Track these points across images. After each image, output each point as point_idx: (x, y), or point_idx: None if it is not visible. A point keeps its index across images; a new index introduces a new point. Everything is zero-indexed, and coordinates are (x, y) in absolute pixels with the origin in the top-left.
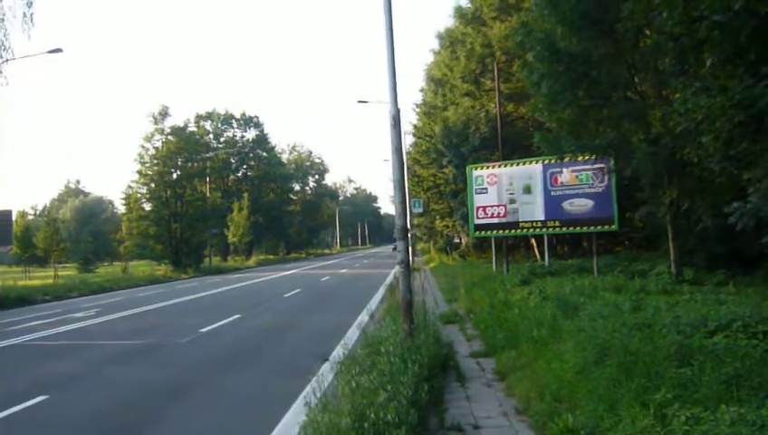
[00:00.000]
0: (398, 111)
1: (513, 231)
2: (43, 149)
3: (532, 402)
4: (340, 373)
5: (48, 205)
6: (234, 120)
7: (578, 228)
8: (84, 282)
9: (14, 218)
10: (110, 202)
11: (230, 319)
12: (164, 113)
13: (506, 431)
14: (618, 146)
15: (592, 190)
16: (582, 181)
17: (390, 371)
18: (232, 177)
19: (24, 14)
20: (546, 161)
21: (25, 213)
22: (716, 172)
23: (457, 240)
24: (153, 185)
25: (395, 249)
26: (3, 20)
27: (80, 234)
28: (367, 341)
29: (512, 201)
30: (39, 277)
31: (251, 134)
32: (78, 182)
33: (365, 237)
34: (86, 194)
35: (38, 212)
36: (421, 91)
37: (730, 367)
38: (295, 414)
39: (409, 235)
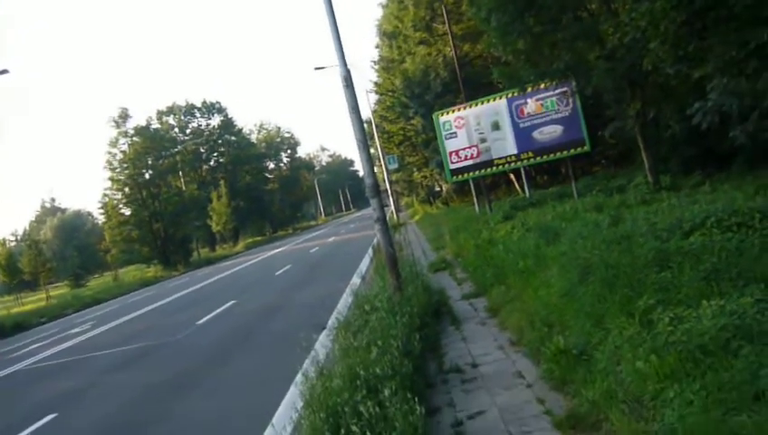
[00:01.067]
0: (347, 71)
1: (488, 169)
2: (11, 173)
3: (525, 332)
4: (335, 339)
5: (27, 228)
6: (196, 110)
7: (551, 155)
8: (77, 297)
9: None
10: (89, 214)
11: (225, 307)
12: (124, 115)
13: (503, 364)
14: (575, 67)
15: (559, 115)
16: (548, 108)
17: (380, 326)
18: (205, 166)
19: None
20: (510, 95)
21: (6, 240)
22: (672, 76)
23: (438, 189)
24: (127, 189)
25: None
26: None
27: (64, 251)
28: (358, 302)
29: (482, 140)
30: (31, 301)
31: (216, 121)
32: (53, 200)
33: (348, 203)
34: (63, 210)
35: (19, 237)
36: (376, 47)
37: (707, 263)
38: (298, 387)
39: (390, 191)
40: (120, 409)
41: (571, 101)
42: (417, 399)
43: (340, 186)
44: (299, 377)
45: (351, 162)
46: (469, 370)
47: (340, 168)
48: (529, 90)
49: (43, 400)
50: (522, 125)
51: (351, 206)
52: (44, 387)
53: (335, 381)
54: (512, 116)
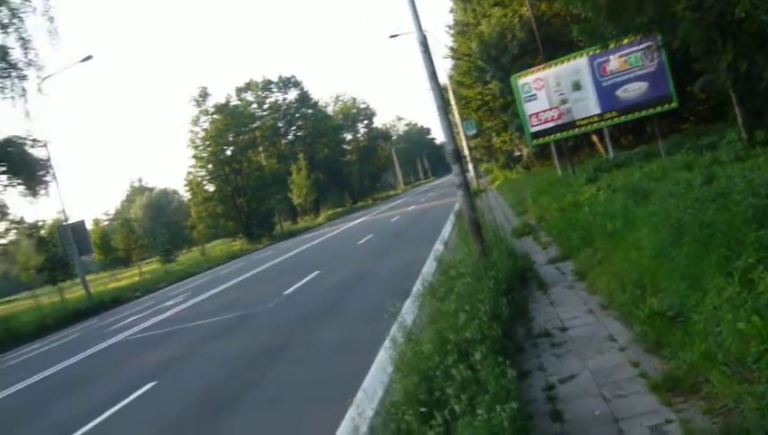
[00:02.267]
0: (424, 36)
1: (570, 131)
2: (100, 155)
3: (615, 295)
4: (421, 305)
5: (118, 207)
6: (273, 85)
7: (636, 114)
8: (168, 272)
9: (89, 227)
10: (175, 192)
11: (310, 277)
12: (204, 94)
13: (594, 328)
14: (660, 20)
15: (644, 71)
16: (632, 64)
17: (467, 291)
18: (283, 141)
19: (49, 31)
20: (591, 53)
21: (99, 220)
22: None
23: (518, 153)
24: (210, 166)
25: (465, 171)
26: (30, 41)
27: (153, 228)
28: (443, 268)
29: (563, 102)
30: (126, 277)
31: (292, 95)
32: (141, 180)
33: (426, 171)
34: (151, 189)
35: (110, 217)
36: (451, 11)
37: None
38: (387, 351)
39: (469, 157)
40: (216, 376)
41: (656, 55)
42: (508, 362)
43: (418, 154)
44: (387, 343)
45: (428, 130)
46: (558, 334)
47: (417, 136)
48: (611, 46)
49: (143, 368)
50: (604, 83)
51: (430, 174)
52: (144, 356)
53: (426, 346)
54: (594, 74)
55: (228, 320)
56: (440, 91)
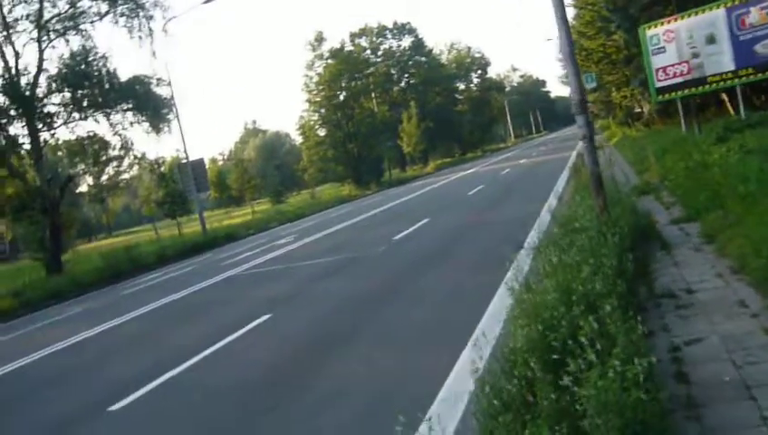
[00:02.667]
0: None
1: (700, 88)
2: (216, 96)
3: (749, 260)
4: (538, 256)
5: (233, 148)
6: (387, 32)
7: None
8: (279, 212)
9: (206, 166)
10: (287, 135)
11: (419, 224)
12: (320, 39)
13: (723, 292)
14: None
15: None
16: None
17: (590, 246)
18: (396, 88)
19: None
20: (729, 4)
21: (215, 159)
22: None
23: (638, 109)
24: (323, 110)
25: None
26: None
27: (265, 169)
28: (561, 221)
29: (695, 55)
30: (238, 215)
31: (406, 42)
32: (254, 122)
33: (538, 125)
34: (264, 132)
35: (225, 157)
36: None
37: None
38: (500, 299)
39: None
40: (329, 313)
41: None
42: (639, 317)
43: (531, 107)
44: (501, 291)
45: (543, 83)
46: (684, 296)
47: (531, 89)
48: None
49: (258, 301)
50: (742, 38)
51: (542, 128)
52: (258, 291)
53: (551, 295)
54: (731, 28)
55: (339, 261)
56: (569, 37)
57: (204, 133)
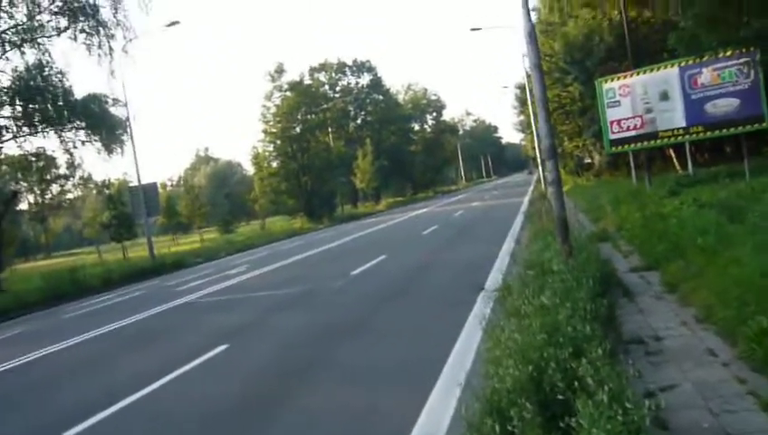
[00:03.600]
0: (532, 26)
1: (652, 142)
2: (169, 121)
3: (715, 310)
4: (506, 298)
5: (183, 174)
6: (347, 68)
7: (725, 130)
8: (229, 242)
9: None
10: (239, 165)
11: (376, 260)
12: (280, 70)
13: (690, 340)
14: (766, 35)
15: (737, 88)
16: (725, 79)
17: (564, 288)
18: (352, 124)
19: None
20: (683, 63)
21: (164, 184)
22: None
23: (588, 160)
24: (278, 142)
25: (530, 173)
26: (121, 1)
27: (215, 198)
28: (528, 264)
29: (648, 111)
30: (186, 243)
31: (365, 80)
32: (207, 150)
33: (489, 170)
34: (216, 160)
35: (174, 183)
36: (534, 10)
37: None
38: (465, 341)
39: (540, 159)
40: (287, 347)
41: (752, 72)
42: (630, 361)
43: (482, 152)
44: (465, 330)
45: (495, 129)
46: (652, 342)
47: (483, 133)
48: (706, 58)
49: (214, 331)
50: (694, 96)
51: (492, 173)
52: (212, 320)
53: (539, 336)
54: (683, 86)
55: (296, 294)
56: (543, 83)
57: (154, 157)
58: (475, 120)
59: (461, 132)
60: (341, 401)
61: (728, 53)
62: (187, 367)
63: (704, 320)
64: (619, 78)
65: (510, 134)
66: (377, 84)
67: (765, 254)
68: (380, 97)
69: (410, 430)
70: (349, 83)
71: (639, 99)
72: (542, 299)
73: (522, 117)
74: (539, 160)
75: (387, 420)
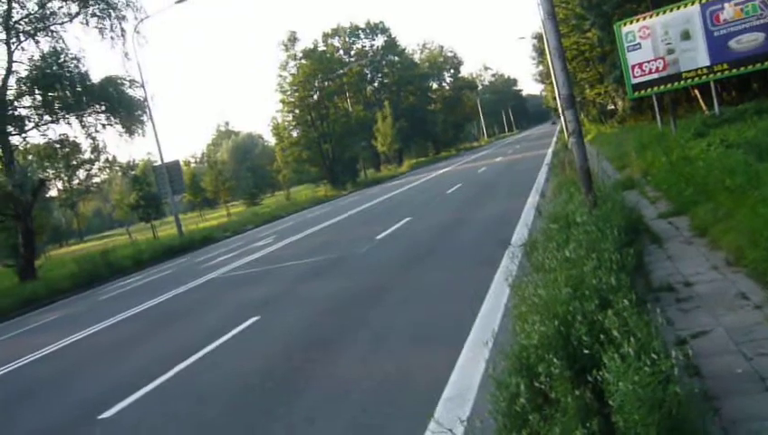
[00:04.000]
0: None
1: (676, 84)
2: (188, 98)
3: (745, 251)
4: (532, 252)
5: (205, 150)
6: (360, 31)
7: (750, 67)
8: (255, 214)
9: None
10: (260, 136)
11: (401, 223)
12: (293, 39)
13: (722, 284)
14: None
15: (761, 22)
16: (749, 14)
17: (589, 240)
18: (369, 88)
19: None
20: (704, 0)
21: (188, 162)
22: None
23: (611, 107)
24: (297, 111)
25: (554, 123)
26: None
27: (239, 171)
28: (552, 217)
29: (670, 51)
30: (213, 218)
31: (379, 41)
32: (227, 124)
33: (510, 124)
34: (237, 133)
35: (198, 159)
36: None
37: None
38: (493, 299)
39: (561, 108)
40: (317, 314)
41: None
42: (658, 310)
43: (503, 106)
44: (493, 288)
45: (515, 81)
46: (682, 289)
47: (503, 87)
48: None
49: (243, 304)
50: (716, 33)
51: (514, 126)
52: (242, 293)
53: (564, 290)
54: (705, 24)
55: (323, 262)
56: (557, 32)
57: (176, 135)
58: (493, 75)
59: (480, 88)
60: (373, 366)
61: None
62: (219, 341)
63: (734, 263)
64: (638, 20)
65: (530, 86)
66: (392, 45)
67: None
68: (396, 58)
69: (442, 391)
70: (363, 47)
71: (660, 40)
72: (566, 252)
73: (541, 67)
74: (560, 110)
75: (418, 382)
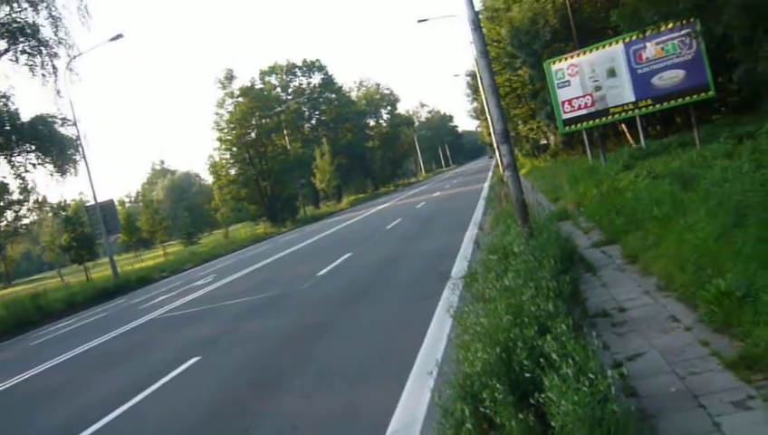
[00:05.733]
0: (476, 14)
1: (604, 119)
2: (122, 137)
3: (674, 277)
4: (472, 283)
5: (140, 190)
6: (297, 69)
7: (672, 102)
8: (193, 253)
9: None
10: (197, 175)
11: (342, 259)
12: (230, 76)
13: (653, 308)
14: (704, 5)
15: (681, 59)
16: (669, 52)
17: (526, 269)
18: (307, 125)
19: (79, 8)
20: (627, 39)
21: (122, 201)
22: None
23: (544, 141)
24: (235, 149)
25: (490, 158)
26: (60, 19)
27: (176, 211)
28: (491, 249)
29: (597, 88)
30: (150, 258)
31: (316, 79)
32: (162, 162)
33: (447, 159)
34: (173, 172)
35: (132, 199)
36: None
37: None
38: (436, 330)
39: (496, 144)
40: (260, 352)
41: (694, 43)
42: (594, 334)
43: (440, 142)
44: (435, 320)
45: (451, 118)
46: (617, 314)
47: (439, 123)
48: (649, 33)
49: (184, 344)
50: (640, 71)
51: (451, 161)
52: (183, 333)
53: (504, 318)
54: (629, 62)
55: (264, 299)
56: (490, 70)
57: (110, 174)
58: (429, 111)
59: (417, 124)
60: (319, 402)
61: (669, 26)
62: (159, 383)
63: (664, 287)
64: (566, 58)
65: (466, 122)
66: (329, 83)
67: (717, 218)
68: (333, 95)
69: (388, 423)
70: (300, 84)
71: (588, 77)
72: (505, 281)
73: (475, 104)
74: (495, 145)
75: (364, 415)
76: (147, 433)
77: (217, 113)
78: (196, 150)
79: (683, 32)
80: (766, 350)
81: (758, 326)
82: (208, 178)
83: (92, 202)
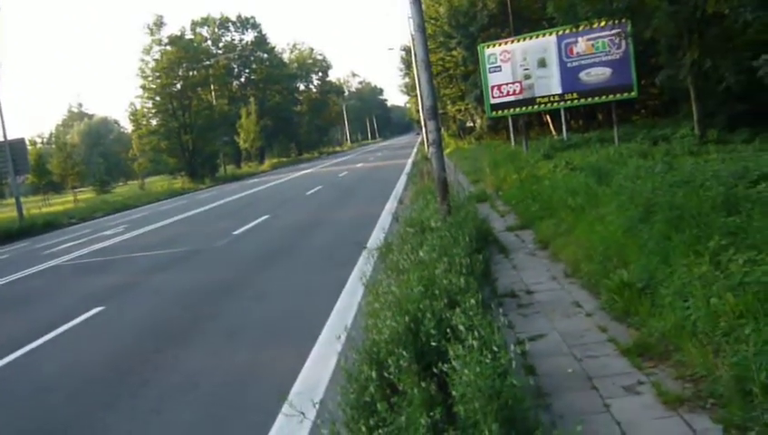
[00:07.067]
0: None
1: (530, 107)
2: (41, 74)
3: (581, 265)
4: (388, 254)
5: (54, 131)
6: (230, 24)
7: (596, 98)
8: (106, 202)
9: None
10: (116, 122)
11: (259, 220)
12: (159, 23)
13: (559, 293)
14: (636, 8)
15: (609, 58)
16: (599, 49)
17: (441, 245)
18: (235, 83)
19: None
20: (560, 32)
21: (34, 141)
22: (749, 23)
23: (470, 124)
24: (158, 98)
25: (417, 135)
26: None
27: (90, 156)
28: (408, 222)
29: (527, 77)
30: (59, 203)
31: (249, 37)
32: (80, 105)
33: (374, 131)
34: (90, 116)
35: (45, 140)
36: None
37: None
38: (347, 297)
39: (423, 122)
40: (167, 307)
41: (623, 43)
42: (501, 310)
43: (368, 114)
44: (348, 287)
45: (381, 91)
46: (524, 296)
47: (369, 95)
48: (581, 28)
49: (87, 294)
50: (569, 64)
51: (378, 135)
52: (88, 282)
53: (416, 289)
54: (560, 54)
55: (176, 254)
56: (425, 45)
57: (23, 112)
58: (360, 82)
59: (347, 94)
60: (224, 360)
61: (602, 24)
62: (59, 330)
63: (571, 274)
64: (500, 44)
65: (396, 97)
66: (261, 42)
67: (627, 213)
68: (265, 55)
69: (292, 384)
70: (233, 40)
71: (519, 65)
72: (420, 254)
73: (407, 79)
74: (423, 122)
75: (269, 375)
76: (41, 383)
77: (143, 60)
78: (118, 96)
79: (614, 31)
80: (659, 339)
81: (653, 317)
82: (128, 127)
83: (1, 139)
